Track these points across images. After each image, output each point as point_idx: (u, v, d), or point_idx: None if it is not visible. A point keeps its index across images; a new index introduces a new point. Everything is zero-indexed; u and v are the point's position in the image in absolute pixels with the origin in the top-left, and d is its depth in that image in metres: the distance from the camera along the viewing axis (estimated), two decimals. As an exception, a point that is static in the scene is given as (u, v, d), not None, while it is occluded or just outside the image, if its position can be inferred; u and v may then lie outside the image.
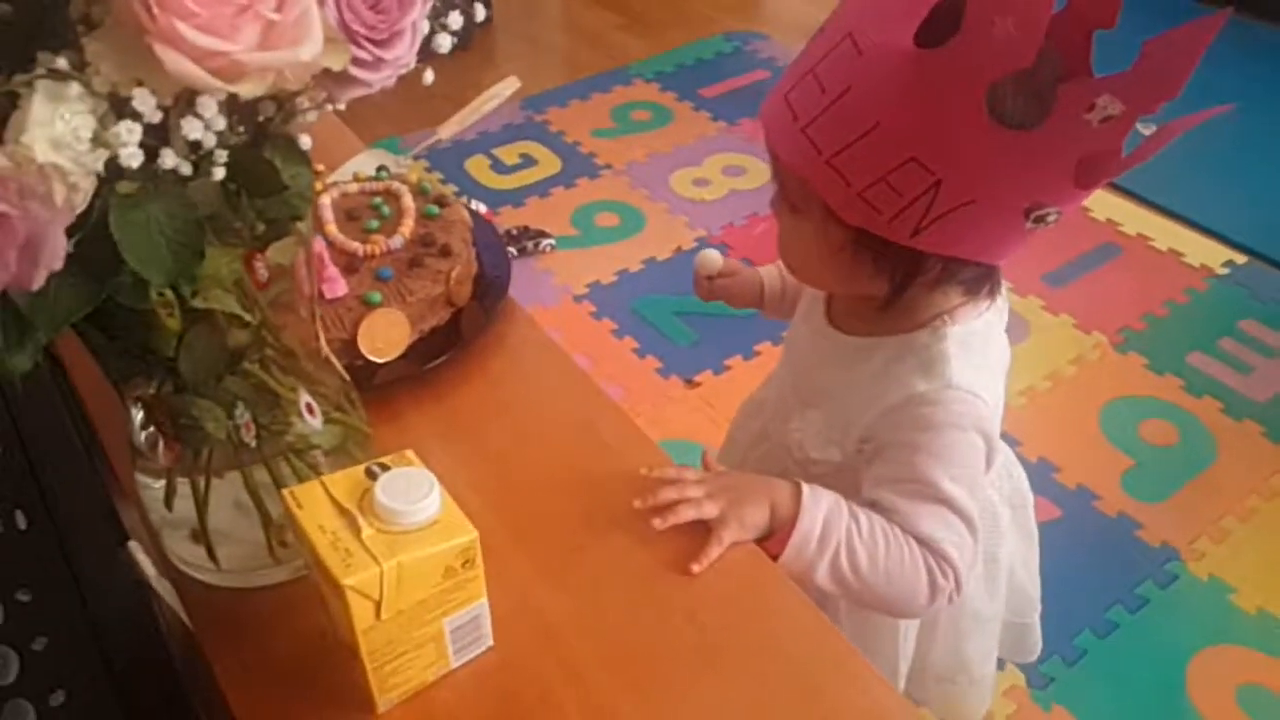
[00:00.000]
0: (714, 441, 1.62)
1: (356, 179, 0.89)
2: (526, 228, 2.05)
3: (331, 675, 0.58)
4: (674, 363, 1.77)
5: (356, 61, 0.41)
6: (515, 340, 0.85)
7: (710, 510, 0.67)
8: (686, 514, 0.67)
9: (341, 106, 0.45)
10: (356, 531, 0.52)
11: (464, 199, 2.09)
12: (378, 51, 0.41)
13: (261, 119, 0.45)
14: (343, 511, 0.53)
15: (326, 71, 0.42)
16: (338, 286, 0.78)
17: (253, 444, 0.58)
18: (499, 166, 2.32)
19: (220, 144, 0.42)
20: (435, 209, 0.86)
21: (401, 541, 0.53)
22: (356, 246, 0.81)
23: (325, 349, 0.65)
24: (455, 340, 0.82)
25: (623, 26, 3.04)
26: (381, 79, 0.42)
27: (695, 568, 0.65)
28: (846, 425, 0.79)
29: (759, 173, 2.28)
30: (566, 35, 2.98)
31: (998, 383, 0.78)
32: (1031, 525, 0.99)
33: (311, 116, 0.46)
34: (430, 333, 0.82)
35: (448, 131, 1.02)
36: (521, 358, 0.83)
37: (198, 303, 0.51)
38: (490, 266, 0.89)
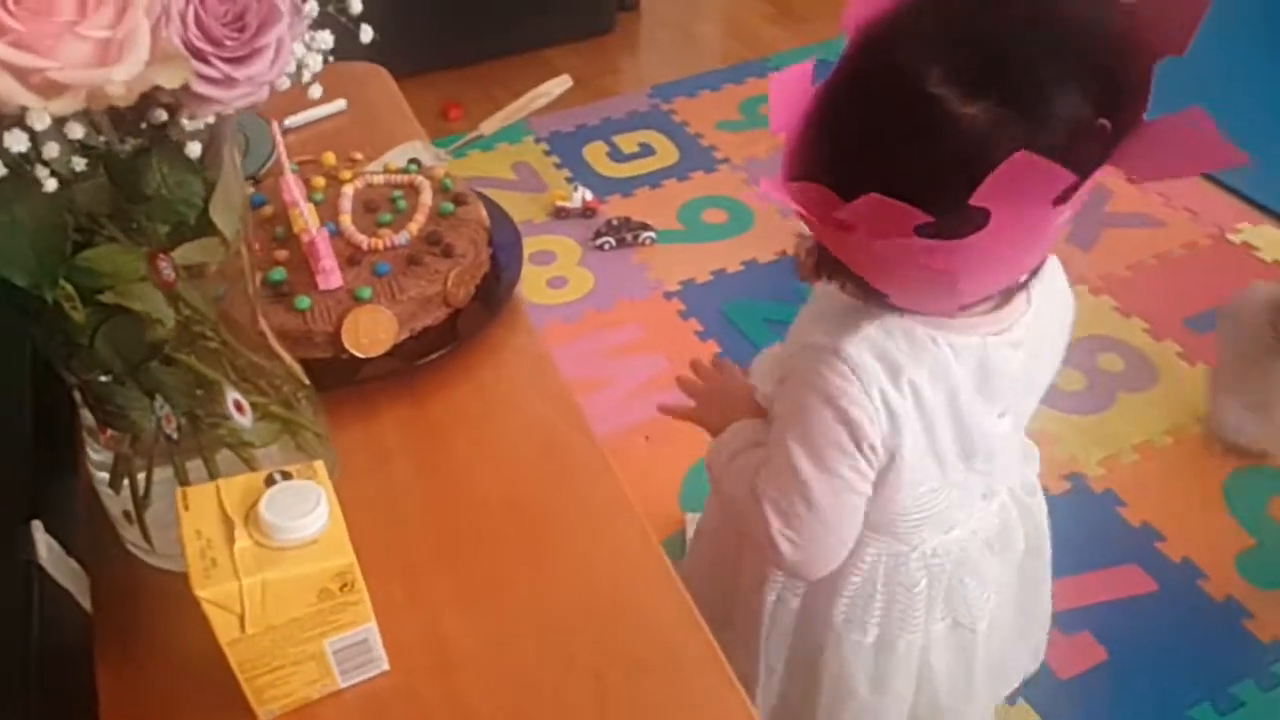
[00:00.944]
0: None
1: (386, 170, 0.90)
2: (628, 219, 2.04)
3: (224, 677, 0.58)
4: (754, 372, 1.72)
5: (206, 79, 0.40)
6: (510, 349, 0.83)
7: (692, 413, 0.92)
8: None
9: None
10: (231, 541, 0.52)
11: (574, 185, 2.12)
12: (230, 69, 0.40)
13: (145, 126, 0.45)
14: (226, 518, 0.53)
15: (185, 87, 0.41)
16: (332, 279, 0.78)
17: (174, 436, 0.59)
18: (616, 154, 2.31)
19: (86, 152, 0.42)
20: (450, 207, 0.86)
21: (274, 558, 0.52)
22: (362, 240, 0.81)
23: (274, 344, 0.65)
24: (449, 342, 0.81)
25: (772, 18, 2.97)
26: (237, 97, 0.41)
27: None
28: (781, 361, 0.77)
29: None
30: (712, 23, 2.93)
31: (922, 392, 0.69)
32: (1040, 575, 0.90)
33: (193, 126, 0.45)
34: (423, 332, 0.81)
35: (490, 127, 1.02)
36: (510, 368, 0.82)
37: (106, 297, 0.52)
38: (503, 269, 0.88)
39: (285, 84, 0.45)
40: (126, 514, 0.63)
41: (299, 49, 0.44)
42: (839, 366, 0.68)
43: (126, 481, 0.62)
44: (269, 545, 0.52)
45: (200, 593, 0.50)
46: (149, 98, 0.42)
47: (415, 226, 0.83)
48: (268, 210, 0.84)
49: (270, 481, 0.55)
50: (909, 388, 0.68)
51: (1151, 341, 1.76)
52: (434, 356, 0.78)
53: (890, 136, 0.58)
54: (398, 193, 0.87)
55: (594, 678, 0.60)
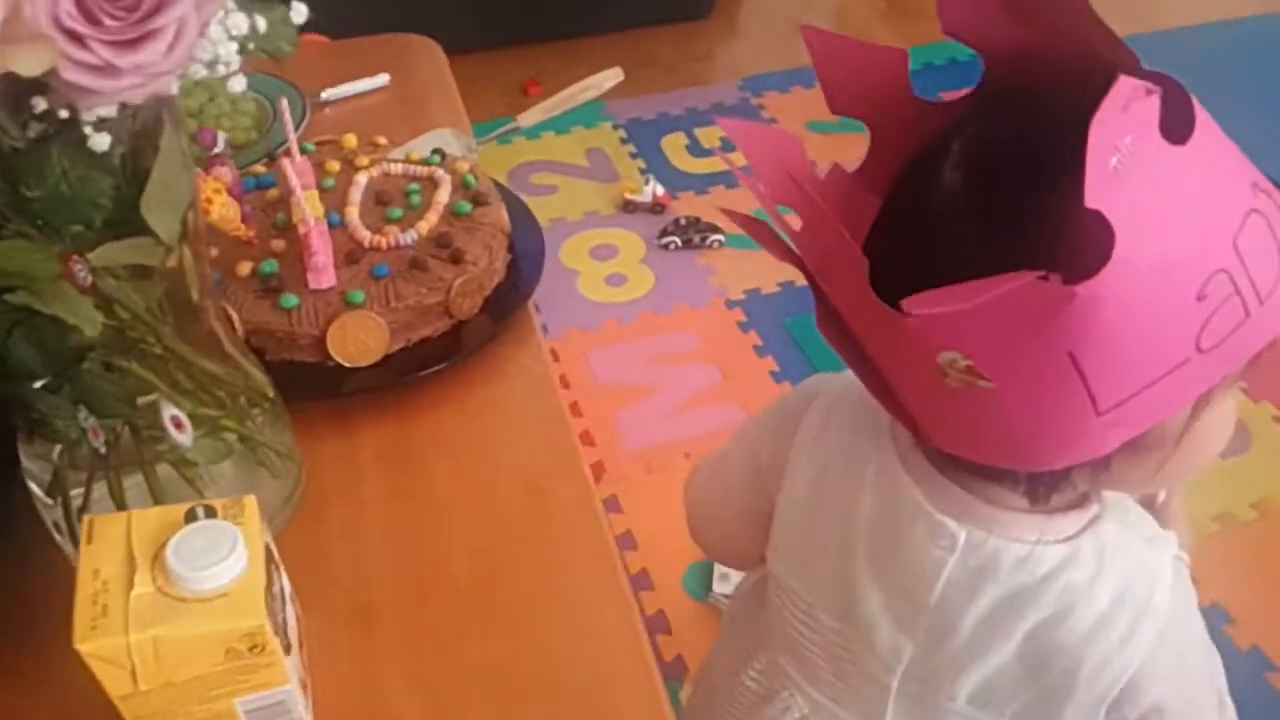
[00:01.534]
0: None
1: (408, 159, 0.83)
2: (697, 219, 1.95)
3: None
4: (810, 394, 1.62)
5: (80, 65, 0.33)
6: (513, 371, 0.76)
7: None
8: None
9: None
10: (130, 586, 0.46)
11: (646, 178, 2.03)
12: (112, 55, 0.33)
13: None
14: (130, 557, 0.47)
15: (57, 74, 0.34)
16: (324, 277, 0.71)
17: (102, 450, 0.53)
18: (695, 148, 2.22)
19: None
20: (467, 207, 0.78)
21: (174, 610, 0.45)
22: (365, 235, 0.75)
23: (230, 348, 0.59)
24: (448, 357, 0.74)
25: (883, 14, 2.83)
26: (124, 89, 0.34)
27: None
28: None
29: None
30: (820, 16, 2.80)
31: None
32: None
33: (93, 115, 0.38)
34: (421, 343, 0.74)
35: (529, 120, 0.93)
36: (510, 392, 0.74)
37: (16, 298, 0.46)
38: (521, 281, 0.81)
39: (200, 73, 0.38)
40: (56, 525, 0.57)
41: (219, 32, 0.37)
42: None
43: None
44: (171, 594, 0.46)
45: (80, 646, 0.44)
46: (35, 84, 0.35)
47: (425, 226, 0.76)
48: (273, 193, 0.78)
49: (190, 516, 0.49)
50: None
51: (1251, 404, 1.60)
52: (426, 373, 0.72)
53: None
54: (414, 186, 0.80)
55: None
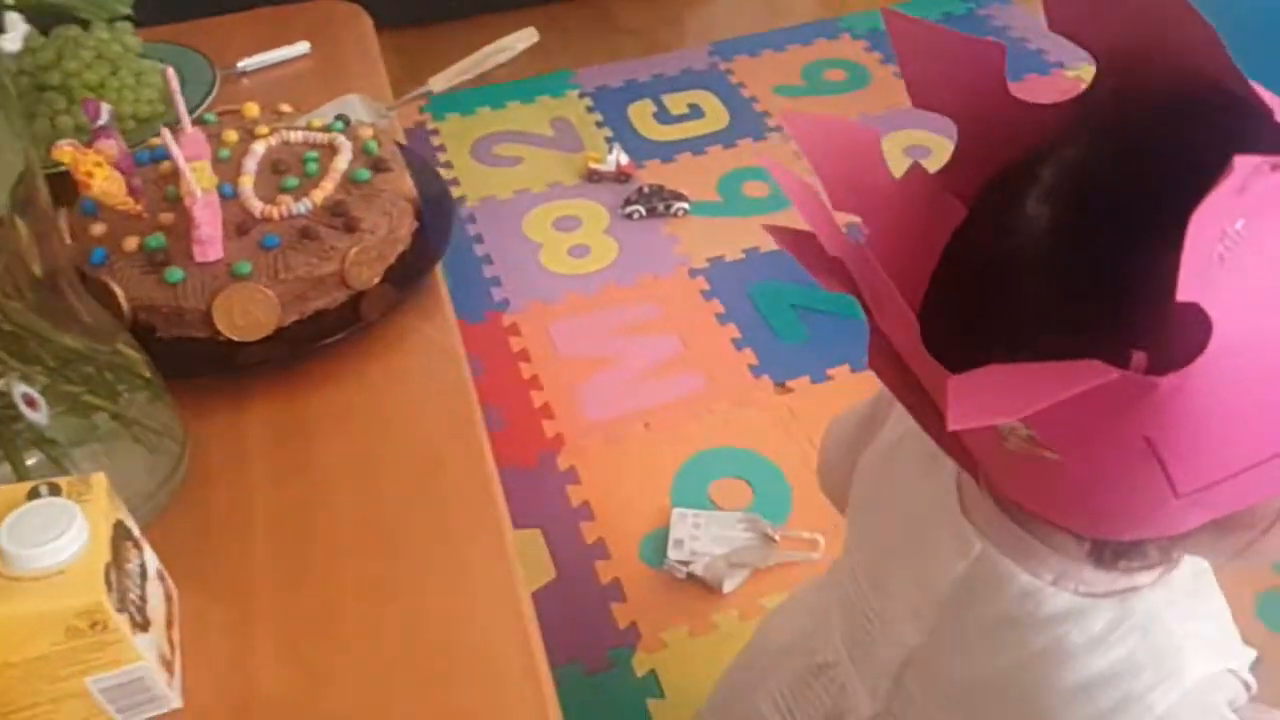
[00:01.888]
0: (783, 456, 1.47)
1: (309, 127, 0.81)
2: (661, 187, 1.92)
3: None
4: (772, 361, 1.60)
5: None
6: (416, 343, 0.74)
7: None
8: None
9: None
10: (-39, 566, 0.45)
11: (609, 147, 2.00)
12: None
13: None
14: (-35, 538, 0.46)
15: None
16: (210, 250, 0.70)
17: (-47, 430, 0.52)
18: (663, 115, 2.18)
19: None
20: (366, 174, 0.76)
21: (7, 590, 0.44)
22: (257, 206, 0.73)
23: (104, 329, 0.58)
24: (350, 328, 0.73)
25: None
26: None
27: None
28: None
29: (943, 154, 2.01)
30: (789, -22, 2.76)
31: None
32: None
33: None
34: (317, 316, 0.73)
35: (440, 84, 0.91)
36: (412, 365, 0.73)
37: None
38: (429, 248, 0.79)
39: None
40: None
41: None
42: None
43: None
44: (5, 574, 0.45)
45: (-99, 627, 0.43)
46: None
47: (320, 195, 0.74)
48: (167, 166, 0.76)
49: (33, 494, 0.48)
50: None
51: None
52: (321, 345, 0.70)
53: None
54: (312, 154, 0.78)
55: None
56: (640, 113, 2.19)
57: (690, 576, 1.27)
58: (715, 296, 1.73)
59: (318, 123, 0.82)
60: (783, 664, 0.72)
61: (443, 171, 1.99)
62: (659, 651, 1.21)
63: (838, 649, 0.65)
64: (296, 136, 0.80)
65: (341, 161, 0.77)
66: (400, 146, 0.84)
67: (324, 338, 0.71)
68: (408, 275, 0.76)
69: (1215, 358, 0.33)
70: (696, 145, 2.09)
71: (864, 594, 0.62)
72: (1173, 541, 0.45)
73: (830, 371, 1.57)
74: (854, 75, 2.28)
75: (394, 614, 0.57)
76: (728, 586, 1.25)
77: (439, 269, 0.78)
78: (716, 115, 2.18)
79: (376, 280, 0.74)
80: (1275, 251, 0.35)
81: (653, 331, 1.67)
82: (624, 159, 1.97)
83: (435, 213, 0.81)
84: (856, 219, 0.43)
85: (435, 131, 2.13)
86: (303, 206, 0.73)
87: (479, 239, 1.86)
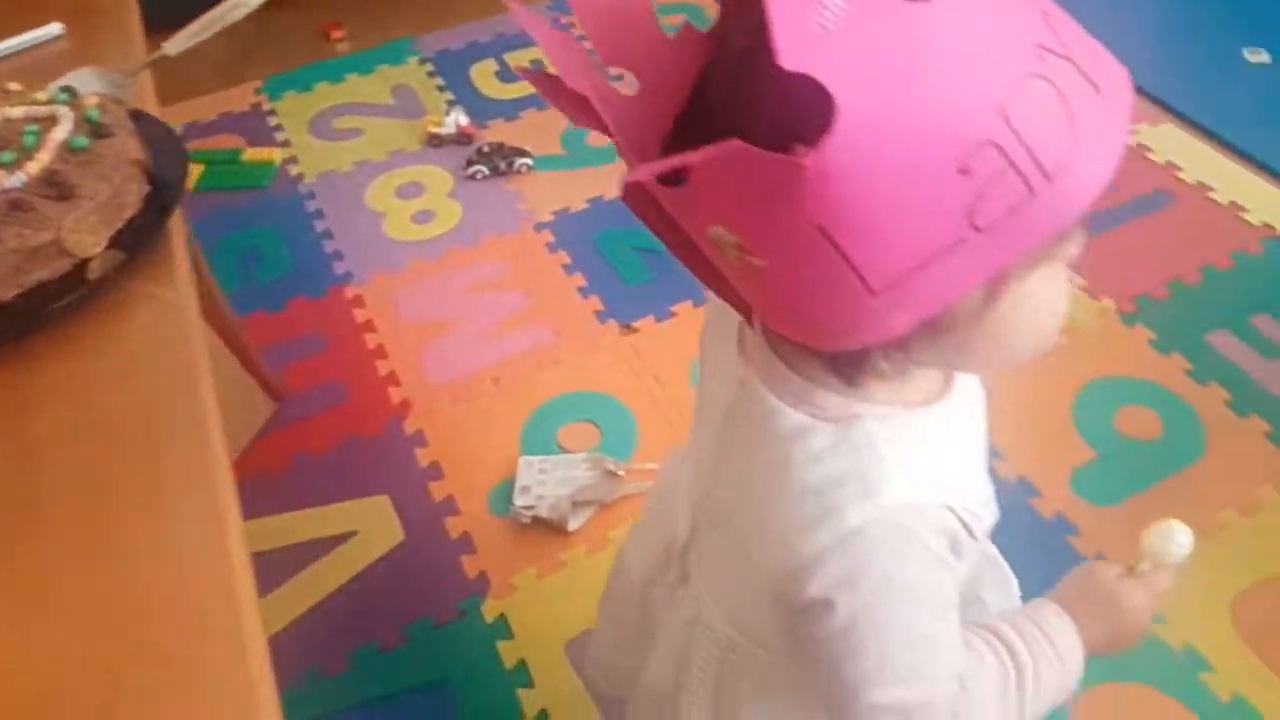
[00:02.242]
0: (629, 395, 1.49)
1: (34, 102, 0.79)
2: (501, 145, 1.91)
3: None
4: (617, 305, 1.61)
5: None
6: (149, 307, 0.72)
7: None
8: None
9: None
10: None
11: (447, 110, 1.98)
12: None
13: None
14: None
15: None
16: (-82, 229, 0.68)
17: None
18: (505, 74, 2.17)
19: None
20: (84, 141, 0.75)
21: None
22: (-32, 184, 0.71)
23: None
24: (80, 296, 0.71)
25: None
26: None
27: None
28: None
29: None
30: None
31: None
32: None
33: None
34: (41, 287, 0.72)
35: (175, 47, 0.90)
36: (139, 327, 0.71)
37: None
38: (162, 210, 0.78)
39: None
40: None
41: None
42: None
43: None
44: None
45: None
46: None
47: (35, 166, 0.72)
48: (-124, 153, 0.74)
49: None
50: None
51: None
52: (41, 316, 0.69)
53: None
54: (31, 127, 0.76)
55: (107, 676, 0.52)
56: (483, 73, 2.18)
57: (536, 520, 1.28)
58: (561, 248, 1.73)
59: (42, 97, 0.80)
60: (652, 509, 0.77)
61: (280, 151, 1.98)
62: (508, 596, 1.22)
63: (678, 485, 0.70)
64: (17, 112, 0.78)
65: (60, 132, 0.75)
66: (137, 113, 0.83)
67: (47, 308, 0.70)
68: (138, 239, 0.75)
69: (849, 134, 0.36)
70: (539, 101, 2.07)
71: (693, 431, 0.66)
72: (891, 351, 0.48)
73: (673, 309, 1.59)
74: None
75: (115, 577, 0.56)
76: (573, 524, 1.27)
77: (175, 231, 0.77)
78: (559, 69, 2.17)
79: (100, 246, 0.73)
80: (886, 30, 0.37)
81: (499, 289, 1.67)
82: (464, 120, 1.96)
83: (170, 174, 0.80)
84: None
85: (272, 112, 2.09)
86: (17, 180, 0.72)
87: (319, 214, 1.83)
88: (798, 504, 0.51)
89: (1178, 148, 1.80)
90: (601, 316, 1.60)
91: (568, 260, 1.71)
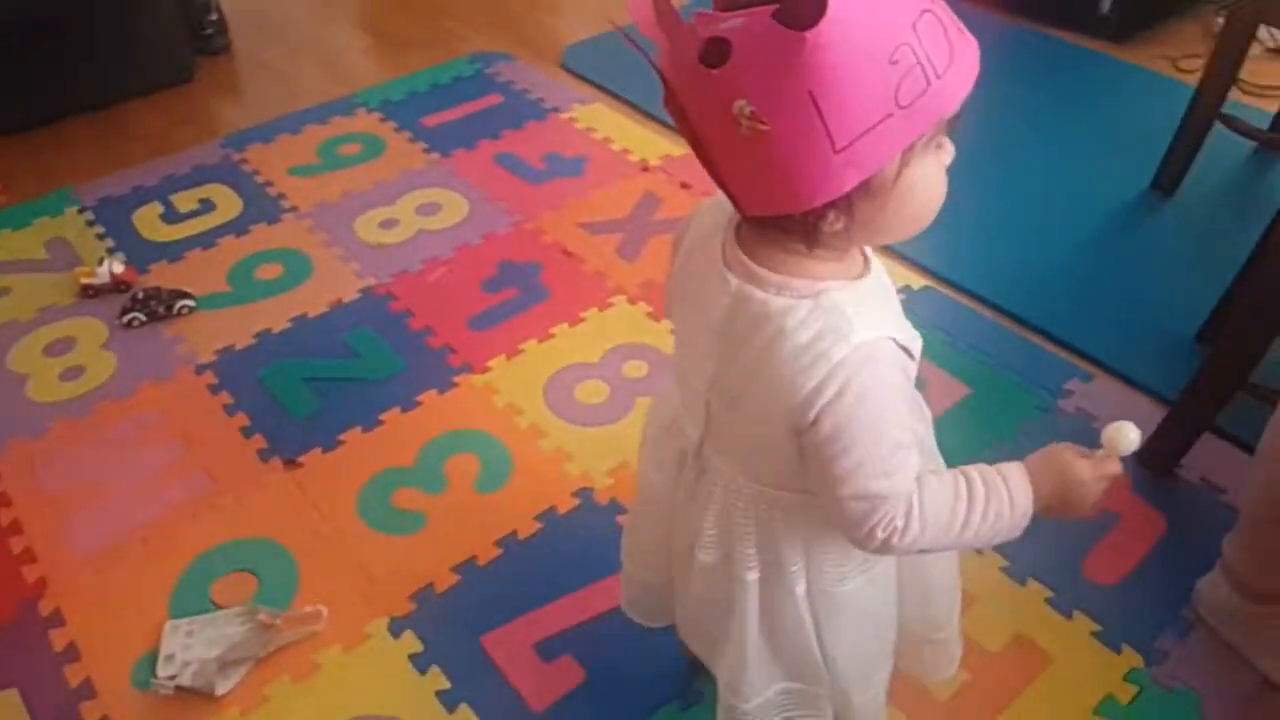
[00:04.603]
0: (290, 534, 1.44)
1: None
2: (159, 289, 1.84)
3: None
4: (283, 440, 1.56)
5: None
6: None
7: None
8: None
9: None
10: None
11: (100, 258, 1.88)
12: None
13: None
14: None
15: None
16: None
17: None
18: (171, 215, 2.10)
19: None
20: None
21: None
22: None
23: None
24: None
25: (370, 49, 2.84)
26: None
27: None
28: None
29: (453, 210, 2.09)
30: (307, 61, 2.75)
31: None
32: None
33: None
34: None
35: None
36: None
37: None
38: None
39: None
40: None
41: None
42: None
43: None
44: None
45: None
46: None
47: None
48: None
49: None
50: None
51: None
52: None
53: None
54: None
55: None
56: (146, 217, 2.10)
57: (180, 690, 1.20)
58: (224, 389, 1.67)
59: None
60: (658, 438, 0.93)
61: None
62: (148, 778, 1.13)
63: (677, 407, 0.87)
64: None
65: None
66: None
67: None
68: None
69: (833, 23, 0.55)
70: (206, 239, 2.03)
71: (682, 357, 0.84)
72: (841, 211, 0.65)
73: (341, 437, 1.56)
74: (370, 146, 2.31)
75: None
76: (221, 689, 1.19)
77: None
78: (229, 205, 2.13)
79: None
80: None
81: (154, 441, 1.58)
82: (119, 268, 1.87)
83: None
84: None
85: (-98, 281, 1.92)
86: None
87: (-52, 392, 1.68)
88: (796, 358, 0.69)
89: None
90: (264, 455, 1.54)
91: (230, 401, 1.64)
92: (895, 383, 0.71)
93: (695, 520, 0.87)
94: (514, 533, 1.41)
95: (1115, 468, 0.79)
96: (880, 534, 0.73)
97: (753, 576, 0.85)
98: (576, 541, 1.39)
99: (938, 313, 1.78)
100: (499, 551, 1.38)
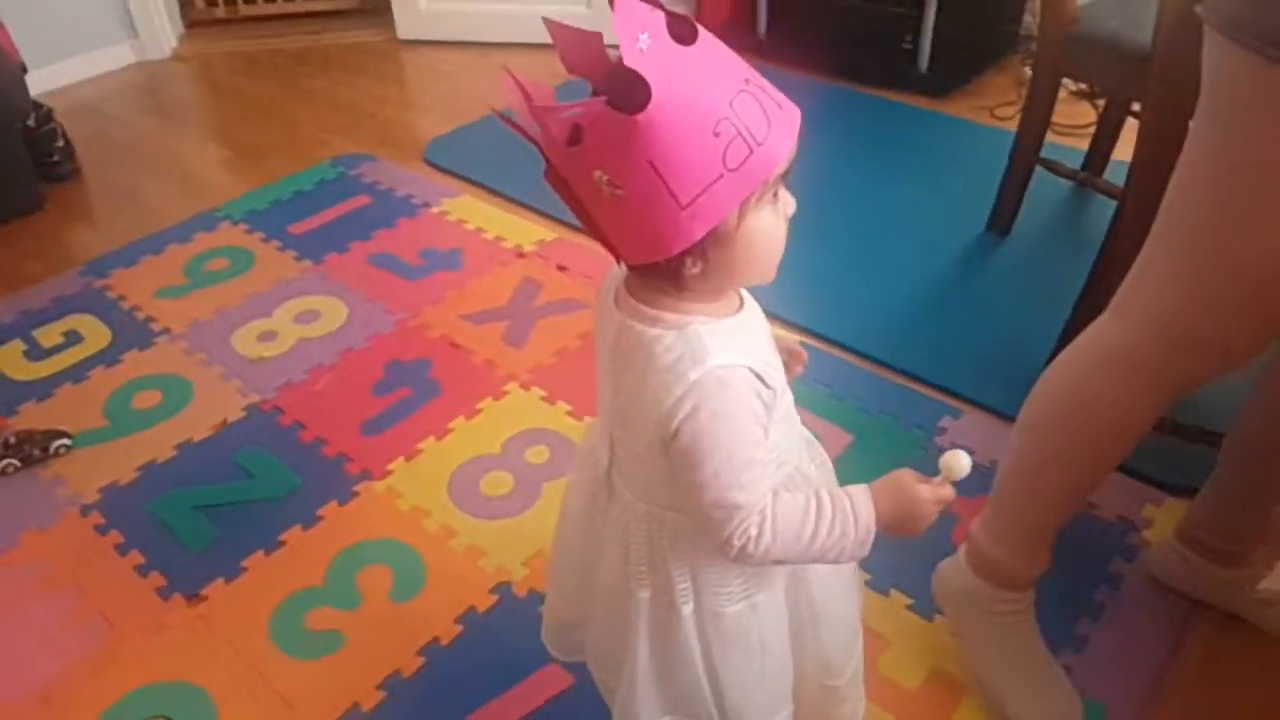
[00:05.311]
0: (203, 673, 1.39)
1: None
2: (31, 432, 1.76)
3: None
4: (182, 575, 1.52)
5: None
6: None
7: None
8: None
9: None
10: None
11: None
12: None
13: None
14: None
15: None
16: None
17: None
18: (35, 352, 2.02)
19: None
20: None
21: None
22: None
23: None
24: None
25: (227, 161, 2.81)
26: None
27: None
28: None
29: (333, 315, 2.08)
30: (161, 179, 2.70)
31: None
32: None
33: None
34: None
35: None
36: None
37: None
38: None
39: None
40: None
41: None
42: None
43: None
44: None
45: None
46: None
47: None
48: None
49: None
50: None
51: (574, 423, 1.78)
52: None
53: None
54: None
55: None
56: (8, 356, 2.02)
57: None
58: (113, 528, 1.61)
59: None
60: (581, 462, 1.00)
61: None
62: None
63: (595, 437, 0.95)
64: None
65: None
66: None
67: None
68: None
69: (658, 106, 0.65)
70: (76, 373, 1.96)
71: (599, 391, 0.90)
72: (697, 258, 0.75)
73: (244, 563, 1.53)
74: (237, 260, 2.29)
75: None
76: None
77: None
78: (97, 335, 2.06)
79: None
80: (673, 56, 0.67)
81: (43, 592, 1.50)
82: (-21, 415, 1.79)
83: None
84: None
85: None
86: None
87: None
88: (660, 377, 0.78)
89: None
90: (164, 593, 1.49)
91: (120, 540, 1.59)
92: (748, 405, 0.79)
93: (603, 542, 0.94)
94: (436, 640, 1.40)
95: (949, 491, 0.87)
96: (736, 541, 0.81)
97: (645, 594, 0.91)
98: (501, 638, 1.40)
99: (817, 367, 1.84)
100: (422, 661, 1.37)
